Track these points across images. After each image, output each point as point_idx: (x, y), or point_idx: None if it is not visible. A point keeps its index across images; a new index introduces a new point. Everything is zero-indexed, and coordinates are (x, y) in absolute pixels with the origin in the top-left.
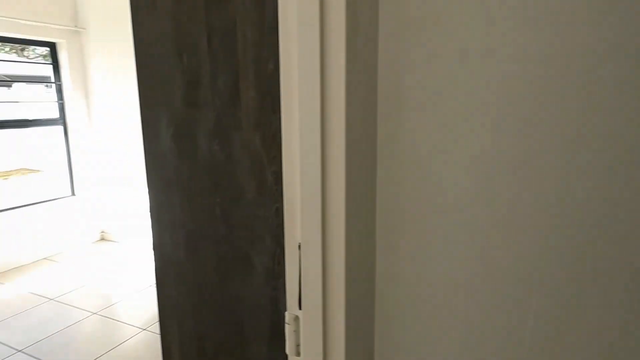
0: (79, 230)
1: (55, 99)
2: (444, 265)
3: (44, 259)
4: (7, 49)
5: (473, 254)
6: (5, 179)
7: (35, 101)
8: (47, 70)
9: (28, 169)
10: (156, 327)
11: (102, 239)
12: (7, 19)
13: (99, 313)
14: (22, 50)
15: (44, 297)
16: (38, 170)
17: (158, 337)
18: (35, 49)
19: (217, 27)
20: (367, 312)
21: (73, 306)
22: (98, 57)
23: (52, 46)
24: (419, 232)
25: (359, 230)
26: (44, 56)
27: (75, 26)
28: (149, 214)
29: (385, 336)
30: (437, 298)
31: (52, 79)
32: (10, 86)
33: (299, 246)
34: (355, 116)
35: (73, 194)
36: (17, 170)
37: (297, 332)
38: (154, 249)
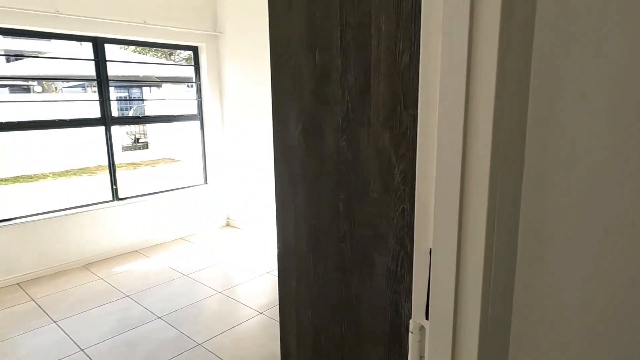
0: (209, 215)
1: (195, 97)
2: (587, 277)
3: (180, 238)
4: (158, 54)
5: (614, 269)
6: (153, 166)
7: (179, 99)
8: (189, 72)
9: (171, 159)
10: (272, 312)
11: (227, 224)
12: (160, 26)
13: (223, 292)
14: (170, 54)
15: (179, 272)
16: (179, 160)
17: (274, 322)
18: (180, 53)
19: (351, 21)
20: (502, 328)
21: (202, 283)
22: (231, 59)
23: (194, 50)
24: (567, 240)
25: (499, 237)
26: (187, 59)
27: (214, 31)
28: (270, 205)
29: (521, 353)
30: (575, 311)
31: (193, 79)
32: (160, 86)
33: (430, 251)
34: (504, 112)
35: (206, 182)
36: (163, 160)
37: (421, 342)
38: (278, 239)
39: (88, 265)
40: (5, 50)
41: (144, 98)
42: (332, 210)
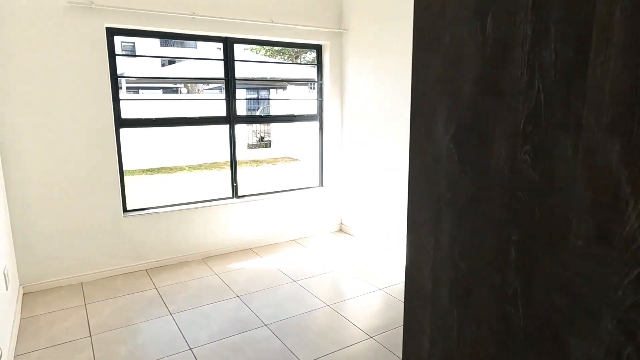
0: (322, 219)
1: (316, 97)
2: None
3: (293, 240)
4: (285, 56)
5: None
6: (274, 164)
7: (301, 99)
8: (312, 73)
9: (290, 158)
10: (384, 339)
11: (340, 230)
12: (286, 25)
13: (331, 306)
14: (296, 57)
15: (288, 276)
16: (297, 160)
17: (385, 350)
18: (305, 56)
19: None
20: None
21: (310, 292)
22: (353, 56)
23: (318, 49)
24: None
25: None
26: (310, 62)
27: (339, 28)
28: (388, 215)
29: None
30: None
31: (316, 80)
32: (285, 88)
33: None
34: None
35: (321, 184)
36: (283, 158)
37: None
38: (406, 275)
39: (206, 259)
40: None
41: (267, 98)
42: (495, 255)
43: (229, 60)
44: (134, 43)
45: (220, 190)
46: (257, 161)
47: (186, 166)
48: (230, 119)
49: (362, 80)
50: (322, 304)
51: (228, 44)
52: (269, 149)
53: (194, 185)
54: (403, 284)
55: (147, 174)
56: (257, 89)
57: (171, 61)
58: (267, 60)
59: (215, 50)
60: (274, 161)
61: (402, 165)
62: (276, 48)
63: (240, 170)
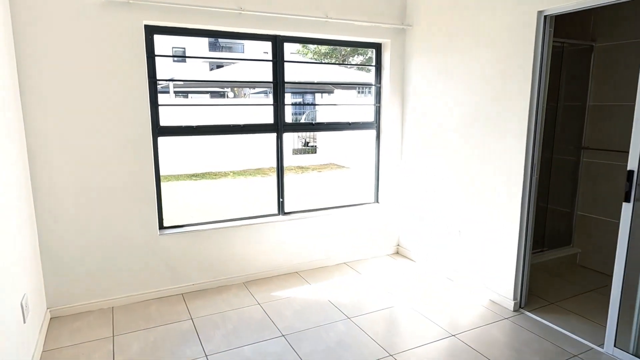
0: (378, 240)
1: (373, 102)
2: None
3: (344, 263)
4: (333, 60)
5: None
6: (320, 171)
7: (352, 104)
8: (364, 77)
9: (337, 165)
10: None
11: (397, 252)
12: (342, 21)
13: (394, 356)
14: (344, 60)
15: (341, 311)
16: (345, 167)
17: None
18: (352, 59)
19: None
20: None
21: (368, 335)
22: (418, 56)
23: (377, 47)
24: None
25: None
26: (365, 63)
27: (402, 24)
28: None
29: None
30: None
31: (373, 82)
32: (332, 92)
33: None
34: None
35: (377, 201)
36: (329, 165)
37: None
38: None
39: (247, 283)
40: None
41: (317, 103)
42: None
43: (277, 62)
44: (184, 48)
45: (264, 201)
46: (302, 167)
47: (230, 172)
48: (278, 126)
49: (428, 84)
50: (384, 353)
51: (277, 42)
52: (314, 155)
53: (238, 194)
54: (480, 330)
55: (191, 179)
56: (302, 93)
57: (219, 65)
58: (321, 61)
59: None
60: (320, 168)
61: (477, 187)
62: (323, 50)
63: (285, 178)
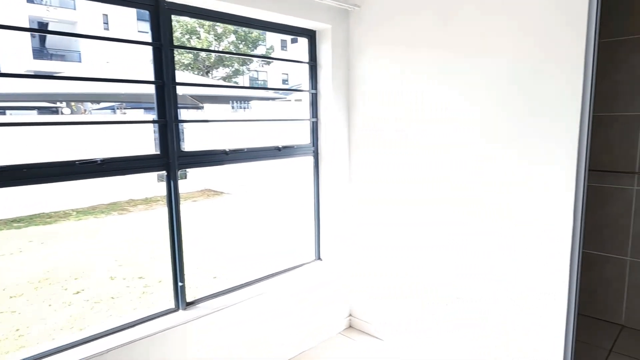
0: (324, 314)
1: (309, 116)
2: None
3: None
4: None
5: None
6: (194, 200)
7: (278, 119)
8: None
9: (213, 191)
10: None
11: (350, 326)
12: None
13: None
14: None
15: None
16: (223, 193)
17: None
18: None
19: None
20: None
21: None
22: (373, 49)
23: (310, 37)
24: None
25: None
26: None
27: (346, 2)
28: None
29: None
30: None
31: (308, 88)
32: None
33: None
34: None
35: (318, 257)
36: (202, 192)
37: None
38: None
39: None
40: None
41: (229, 119)
42: None
43: (163, 46)
44: None
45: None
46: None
47: (73, 211)
48: (170, 160)
49: (391, 89)
50: None
51: (161, 14)
52: (184, 180)
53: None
54: None
55: (12, 227)
56: (192, 107)
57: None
58: (230, 52)
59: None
60: (193, 196)
61: (468, 227)
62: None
63: (141, 215)
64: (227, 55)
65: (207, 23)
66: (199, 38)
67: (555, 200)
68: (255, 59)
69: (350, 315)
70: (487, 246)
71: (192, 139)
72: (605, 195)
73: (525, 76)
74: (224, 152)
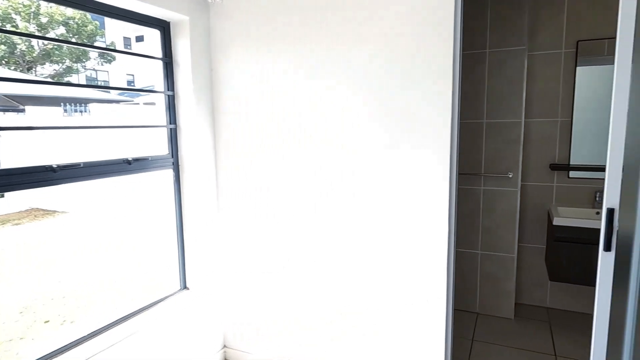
0: (193, 348)
1: (166, 122)
2: None
3: None
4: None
5: None
6: (18, 223)
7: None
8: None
9: (42, 210)
10: None
11: (226, 359)
12: None
13: None
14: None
15: None
16: (55, 211)
17: None
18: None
19: None
20: None
21: None
22: (235, 48)
23: (163, 29)
24: None
25: None
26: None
27: None
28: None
29: None
30: None
31: (163, 90)
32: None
33: None
34: None
35: (185, 286)
36: (28, 212)
37: None
38: None
39: None
40: None
41: (60, 125)
42: None
43: None
44: None
45: None
46: None
47: None
48: None
49: (256, 88)
50: None
51: None
52: (1, 199)
53: None
54: None
55: None
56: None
57: None
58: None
59: None
60: (17, 218)
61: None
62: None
63: None
64: (56, 48)
65: (24, 3)
66: (15, 28)
67: (432, 203)
68: (93, 56)
69: (224, 346)
70: (367, 254)
71: (9, 151)
72: (459, 195)
73: (398, 81)
74: (49, 169)
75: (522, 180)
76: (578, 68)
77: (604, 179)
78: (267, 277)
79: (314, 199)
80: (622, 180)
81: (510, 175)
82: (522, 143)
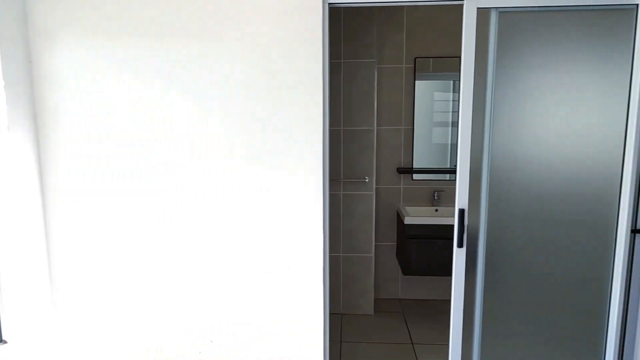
0: None
1: None
2: None
3: None
4: None
5: None
6: None
7: None
8: None
9: None
10: None
11: None
12: None
13: None
14: None
15: None
16: None
17: None
18: None
19: None
20: None
21: None
22: (65, 38)
23: None
24: None
25: None
26: None
27: None
28: None
29: None
30: None
31: None
32: None
33: None
34: None
35: (1, 339)
36: None
37: None
38: None
39: None
40: None
41: None
42: None
43: None
44: None
45: None
46: None
47: None
48: None
49: (95, 91)
50: None
51: None
52: None
53: None
54: None
55: None
56: None
57: None
58: None
59: None
60: None
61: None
62: None
63: None
64: None
65: None
66: None
67: (308, 211)
68: None
69: None
70: (240, 269)
71: None
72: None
73: (267, 86)
74: None
75: (376, 184)
76: (417, 82)
77: (440, 180)
78: (117, 320)
79: (176, 223)
80: (469, 183)
81: (367, 180)
82: (375, 149)
